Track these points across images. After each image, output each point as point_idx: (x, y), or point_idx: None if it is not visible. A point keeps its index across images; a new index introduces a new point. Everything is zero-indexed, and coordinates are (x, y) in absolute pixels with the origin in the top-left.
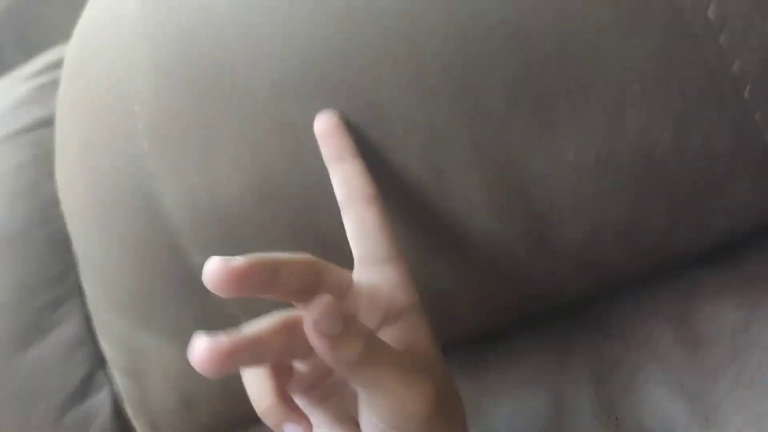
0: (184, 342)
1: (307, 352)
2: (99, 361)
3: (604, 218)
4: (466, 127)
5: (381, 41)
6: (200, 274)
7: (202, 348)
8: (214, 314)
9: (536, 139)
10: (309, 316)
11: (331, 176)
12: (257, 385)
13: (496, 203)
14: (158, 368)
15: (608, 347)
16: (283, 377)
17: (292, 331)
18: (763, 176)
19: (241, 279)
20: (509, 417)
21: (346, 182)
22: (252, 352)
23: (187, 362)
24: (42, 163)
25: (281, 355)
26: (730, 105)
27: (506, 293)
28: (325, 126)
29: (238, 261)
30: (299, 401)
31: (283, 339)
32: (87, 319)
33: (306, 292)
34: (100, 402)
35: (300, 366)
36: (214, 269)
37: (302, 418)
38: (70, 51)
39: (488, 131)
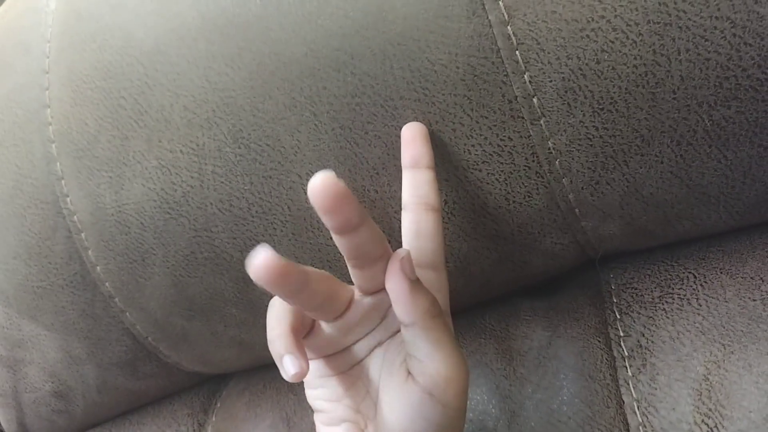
0: (68, 334)
1: (339, 312)
2: None
3: (449, 251)
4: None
5: (284, 89)
6: (94, 270)
7: (262, 258)
8: (101, 309)
9: None
10: (396, 256)
11: (403, 178)
12: (276, 312)
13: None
14: (37, 358)
15: None
16: (303, 328)
17: (335, 286)
18: (566, 232)
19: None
20: None
21: (415, 187)
22: (297, 281)
23: (67, 353)
24: None
25: (318, 299)
26: (546, 172)
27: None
28: (412, 132)
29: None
30: (315, 364)
31: (325, 287)
32: None
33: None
34: None
35: (325, 327)
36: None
37: (303, 357)
38: None
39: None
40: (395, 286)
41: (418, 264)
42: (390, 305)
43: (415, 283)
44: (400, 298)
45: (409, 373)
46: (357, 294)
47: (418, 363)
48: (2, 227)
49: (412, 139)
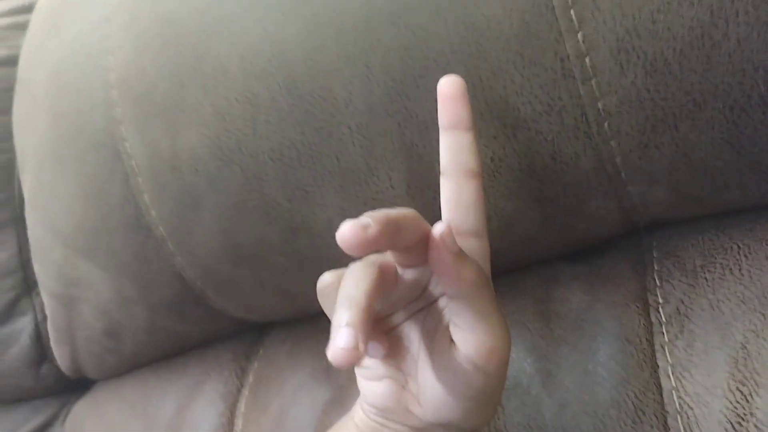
0: (121, 275)
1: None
2: (26, 289)
3: (493, 210)
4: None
5: (338, 41)
6: (148, 214)
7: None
8: (153, 252)
9: None
10: (436, 231)
11: (440, 140)
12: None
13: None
14: (91, 297)
15: None
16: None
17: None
18: (611, 196)
19: (373, 243)
20: None
21: (453, 152)
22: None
23: (119, 293)
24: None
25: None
26: (594, 133)
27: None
28: (450, 89)
29: (373, 228)
30: None
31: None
32: (21, 249)
33: (414, 248)
34: (22, 326)
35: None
36: (351, 234)
37: (385, 341)
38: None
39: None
40: (439, 261)
41: (460, 232)
42: (430, 276)
43: (458, 255)
44: (445, 273)
45: (451, 340)
46: (399, 268)
47: (461, 332)
48: (63, 169)
49: (451, 98)
